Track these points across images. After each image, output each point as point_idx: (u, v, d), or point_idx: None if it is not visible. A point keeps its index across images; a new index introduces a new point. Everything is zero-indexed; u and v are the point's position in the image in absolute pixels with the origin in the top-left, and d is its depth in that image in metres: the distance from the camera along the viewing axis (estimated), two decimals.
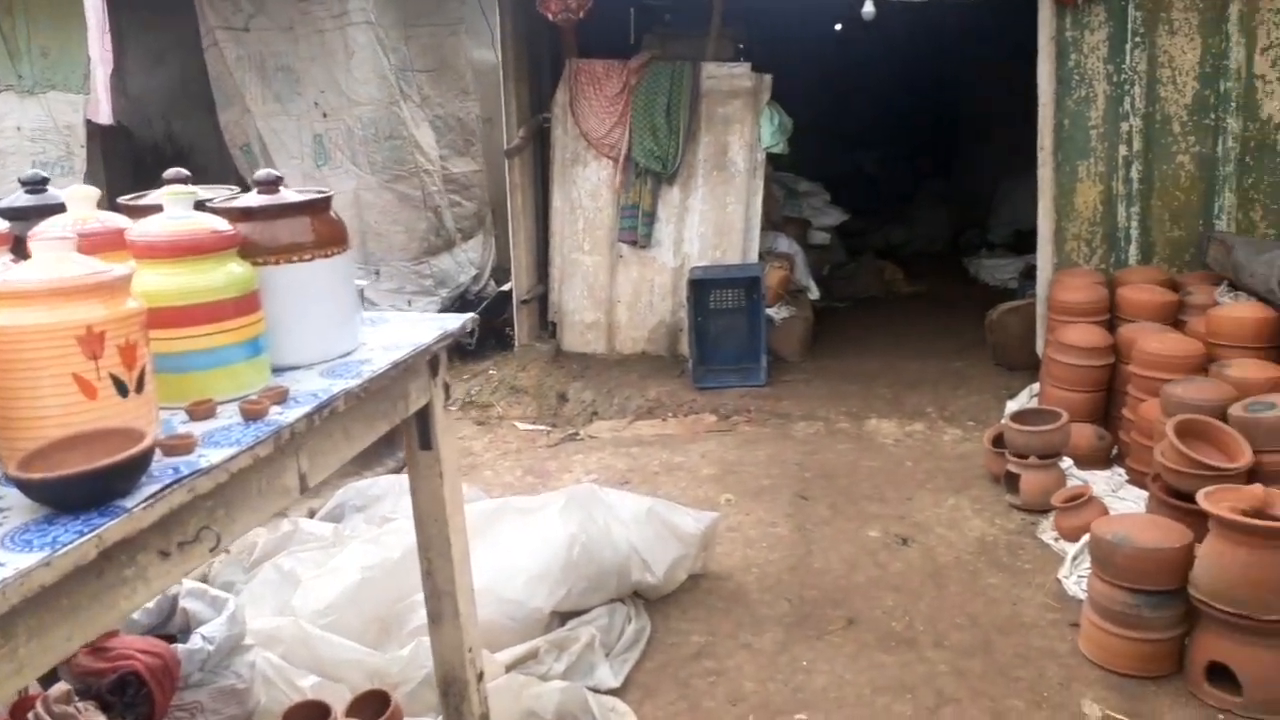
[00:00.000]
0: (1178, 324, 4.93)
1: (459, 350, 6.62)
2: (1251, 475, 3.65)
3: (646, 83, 6.42)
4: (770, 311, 6.47)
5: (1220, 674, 3.03)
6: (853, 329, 7.37)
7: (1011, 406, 5.32)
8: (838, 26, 9.91)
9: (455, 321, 2.24)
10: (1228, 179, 5.51)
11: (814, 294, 7.23)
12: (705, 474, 4.85)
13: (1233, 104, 5.46)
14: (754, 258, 6.48)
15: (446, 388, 2.26)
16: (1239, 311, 4.55)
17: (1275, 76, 5.42)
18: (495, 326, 6.92)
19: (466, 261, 8.10)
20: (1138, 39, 5.49)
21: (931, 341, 6.86)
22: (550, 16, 6.02)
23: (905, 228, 10.01)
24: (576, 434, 5.53)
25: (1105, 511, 3.96)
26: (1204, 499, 3.16)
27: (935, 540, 4.09)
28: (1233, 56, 5.42)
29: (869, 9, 5.83)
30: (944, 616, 3.52)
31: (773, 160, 6.85)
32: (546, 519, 3.46)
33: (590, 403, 5.89)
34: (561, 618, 3.35)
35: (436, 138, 7.62)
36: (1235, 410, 3.86)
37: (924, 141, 11.40)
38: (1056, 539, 4.02)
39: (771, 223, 7.16)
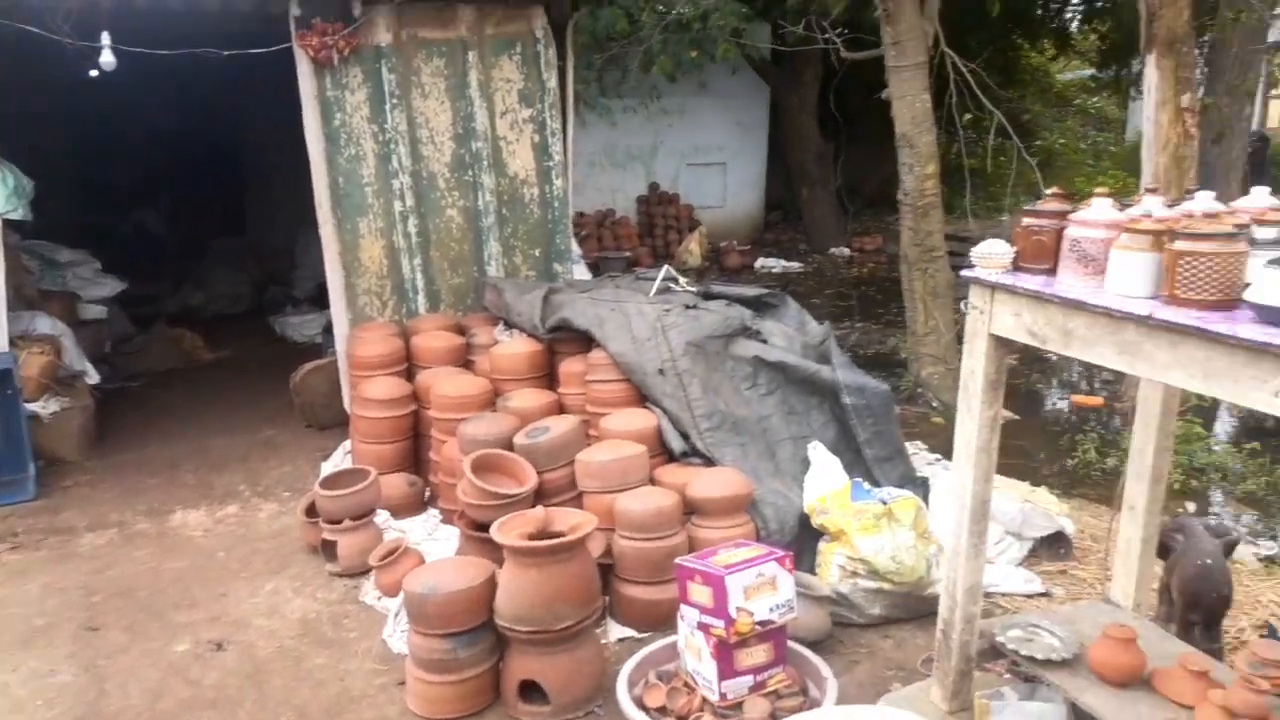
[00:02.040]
0: (468, 365, 5.32)
1: None
2: (539, 495, 4.04)
3: None
4: (34, 407, 5.40)
5: (531, 690, 3.24)
6: (149, 411, 6.58)
7: (327, 468, 5.21)
8: (94, 73, 8.83)
9: None
10: (491, 229, 6.12)
11: (93, 377, 6.25)
12: None
13: (485, 162, 6.08)
14: (3, 345, 5.34)
15: None
16: (514, 348, 5.05)
17: (515, 138, 6.19)
18: None
19: None
20: (395, 100, 5.79)
21: (240, 412, 6.45)
22: None
23: (202, 290, 9.36)
24: None
25: (421, 559, 4.04)
26: (495, 530, 3.36)
27: (255, 635, 3.74)
28: (479, 119, 6.03)
29: (108, 59, 5.21)
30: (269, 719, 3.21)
31: (16, 228, 5.75)
32: None
33: None
34: None
35: None
36: (519, 439, 4.24)
37: (214, 196, 10.81)
38: (379, 598, 3.98)
39: (25, 300, 6.02)
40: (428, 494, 4.94)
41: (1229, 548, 3.34)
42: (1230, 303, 2.10)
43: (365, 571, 4.13)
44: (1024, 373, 7.40)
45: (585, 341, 4.79)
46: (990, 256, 2.63)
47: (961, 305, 2.91)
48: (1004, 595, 3.91)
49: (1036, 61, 18.88)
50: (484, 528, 3.86)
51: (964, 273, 2.72)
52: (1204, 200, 2.48)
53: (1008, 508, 4.25)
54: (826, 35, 7.59)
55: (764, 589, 2.92)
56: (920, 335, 6.75)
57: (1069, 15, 16.26)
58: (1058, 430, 6.18)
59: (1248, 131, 9.37)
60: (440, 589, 3.24)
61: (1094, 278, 2.37)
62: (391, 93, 5.79)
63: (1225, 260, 2.12)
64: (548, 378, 5.04)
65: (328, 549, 4.27)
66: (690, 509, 3.90)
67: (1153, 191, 2.61)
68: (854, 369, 4.68)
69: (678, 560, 3.07)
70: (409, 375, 5.27)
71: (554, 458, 4.16)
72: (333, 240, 5.72)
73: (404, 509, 4.71)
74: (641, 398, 4.51)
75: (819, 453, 4.18)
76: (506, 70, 6.13)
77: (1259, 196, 2.62)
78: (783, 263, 12.69)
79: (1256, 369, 1.99)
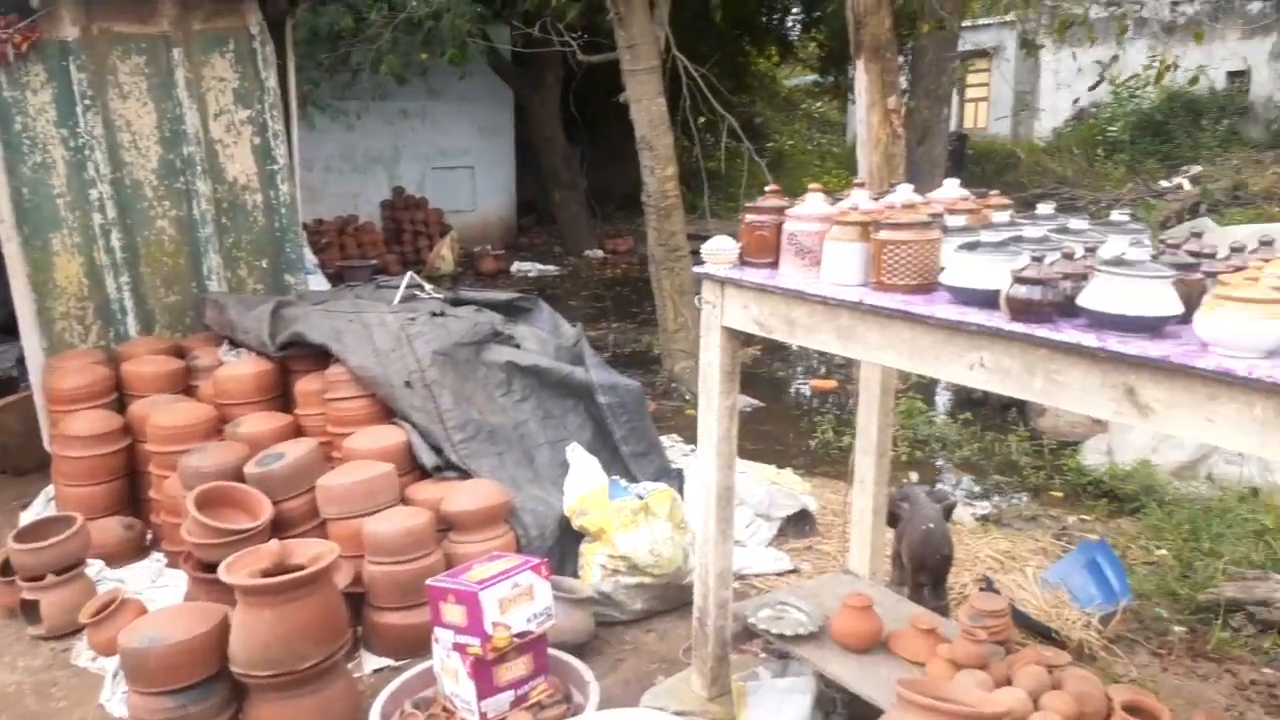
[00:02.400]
0: (190, 391, 4.84)
1: None
2: (277, 527, 3.73)
3: None
4: None
5: None
6: None
7: (26, 518, 4.57)
8: None
9: None
10: (210, 240, 5.61)
11: None
12: None
13: (199, 167, 5.56)
14: None
15: None
16: (240, 369, 4.64)
17: (232, 140, 5.71)
18: None
19: None
20: (88, 102, 5.19)
21: None
22: None
23: None
24: None
25: (143, 610, 3.62)
26: (223, 570, 3.07)
27: None
28: (189, 121, 5.51)
29: None
30: None
31: None
32: None
33: None
34: None
35: None
36: (250, 468, 3.90)
37: None
38: (95, 659, 3.52)
39: None
40: (149, 537, 4.44)
41: (948, 511, 3.64)
42: (929, 286, 2.26)
43: (76, 631, 3.65)
44: (767, 362, 7.79)
45: (322, 357, 4.49)
46: (718, 253, 2.70)
47: (696, 301, 2.97)
48: (757, 576, 4.06)
49: (764, 67, 20.10)
50: (215, 569, 3.53)
51: (696, 269, 2.77)
52: (904, 193, 2.67)
53: (756, 490, 4.43)
54: (563, 38, 7.64)
55: (521, 600, 2.84)
56: (671, 332, 6.94)
57: (790, 24, 17.45)
58: (799, 414, 6.55)
59: (947, 131, 10.42)
60: (163, 640, 2.91)
61: (811, 269, 2.48)
62: (83, 93, 5.17)
63: (922, 247, 2.27)
64: (281, 399, 4.68)
65: (28, 610, 3.72)
66: (446, 525, 3.75)
67: (860, 186, 2.77)
68: (607, 369, 4.70)
69: (429, 581, 2.93)
70: (120, 406, 4.72)
71: (291, 485, 3.86)
72: (19, 260, 5.03)
73: (121, 556, 4.21)
74: (389, 413, 4.29)
75: (577, 454, 4.16)
76: (219, 69, 5.65)
77: (950, 188, 2.85)
78: (539, 266, 12.68)
79: (954, 345, 2.15)
